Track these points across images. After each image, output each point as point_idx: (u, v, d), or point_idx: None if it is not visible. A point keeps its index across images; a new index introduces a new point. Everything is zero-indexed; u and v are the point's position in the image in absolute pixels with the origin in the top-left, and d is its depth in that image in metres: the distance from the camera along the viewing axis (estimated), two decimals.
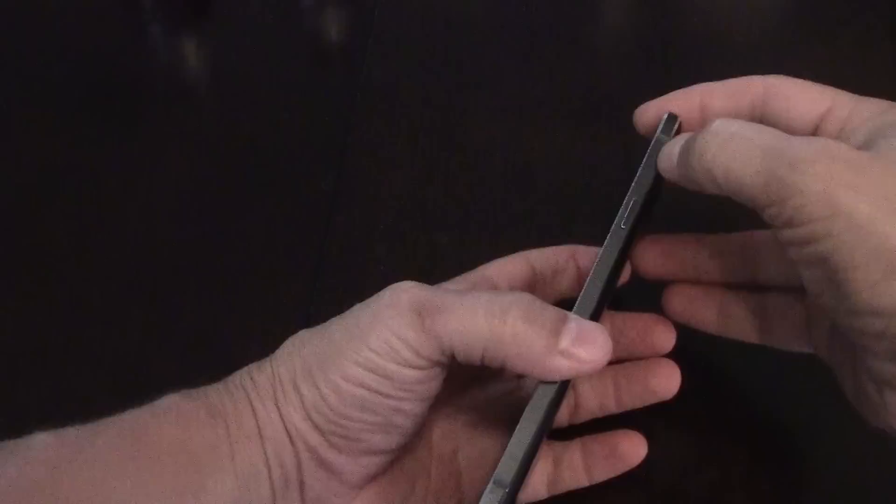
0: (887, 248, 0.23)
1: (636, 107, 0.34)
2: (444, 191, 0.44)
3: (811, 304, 0.32)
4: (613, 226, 0.30)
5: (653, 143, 0.31)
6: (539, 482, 0.33)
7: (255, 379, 0.30)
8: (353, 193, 0.44)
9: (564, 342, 0.27)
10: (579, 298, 0.29)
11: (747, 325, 0.33)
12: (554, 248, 0.36)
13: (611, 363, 0.35)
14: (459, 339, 0.27)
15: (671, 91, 0.33)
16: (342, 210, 0.43)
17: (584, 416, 0.35)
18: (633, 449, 0.33)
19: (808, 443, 0.36)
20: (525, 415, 0.28)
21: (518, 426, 0.28)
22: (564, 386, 0.28)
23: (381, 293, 0.29)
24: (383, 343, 0.27)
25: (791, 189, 0.24)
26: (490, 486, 0.27)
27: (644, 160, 0.31)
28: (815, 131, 0.29)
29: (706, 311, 0.34)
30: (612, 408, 0.35)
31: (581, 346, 0.27)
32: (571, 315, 0.28)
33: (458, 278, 0.34)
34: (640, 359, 0.35)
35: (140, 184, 0.45)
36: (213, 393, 0.30)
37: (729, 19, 0.52)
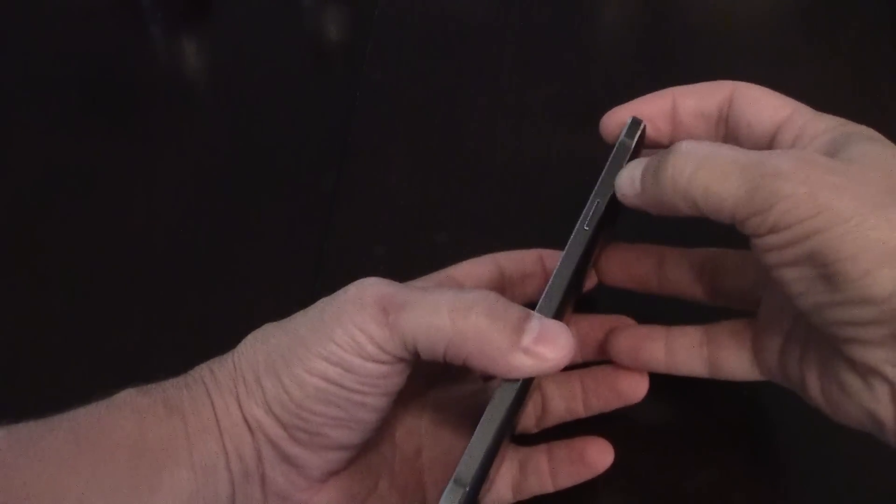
0: (874, 239, 0.24)
1: None
2: (444, 191, 0.44)
3: (759, 326, 0.32)
4: (576, 227, 0.30)
5: (616, 145, 0.31)
6: (504, 486, 0.33)
7: (215, 372, 0.30)
8: (353, 193, 0.44)
9: (527, 340, 0.27)
10: (542, 297, 0.29)
11: (695, 360, 0.34)
12: (522, 251, 0.36)
13: (578, 366, 0.35)
14: (422, 334, 0.27)
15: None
16: (342, 210, 0.43)
17: (552, 420, 0.35)
18: (599, 456, 0.33)
19: (808, 442, 0.36)
20: (486, 414, 0.27)
21: (479, 425, 0.27)
22: (527, 385, 0.28)
23: (346, 288, 0.29)
24: (347, 337, 0.28)
25: (777, 195, 0.25)
26: (450, 485, 0.27)
27: (608, 162, 0.31)
28: (773, 136, 0.30)
29: (653, 350, 0.34)
30: (580, 411, 0.35)
31: (543, 344, 0.27)
32: (534, 313, 0.28)
33: (424, 277, 0.35)
34: (607, 362, 0.35)
35: (140, 184, 0.45)
36: (171, 387, 0.30)
37: (729, 19, 0.52)
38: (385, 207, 0.44)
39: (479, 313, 0.27)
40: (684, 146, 0.27)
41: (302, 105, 0.48)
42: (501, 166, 0.45)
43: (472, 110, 0.47)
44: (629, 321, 0.36)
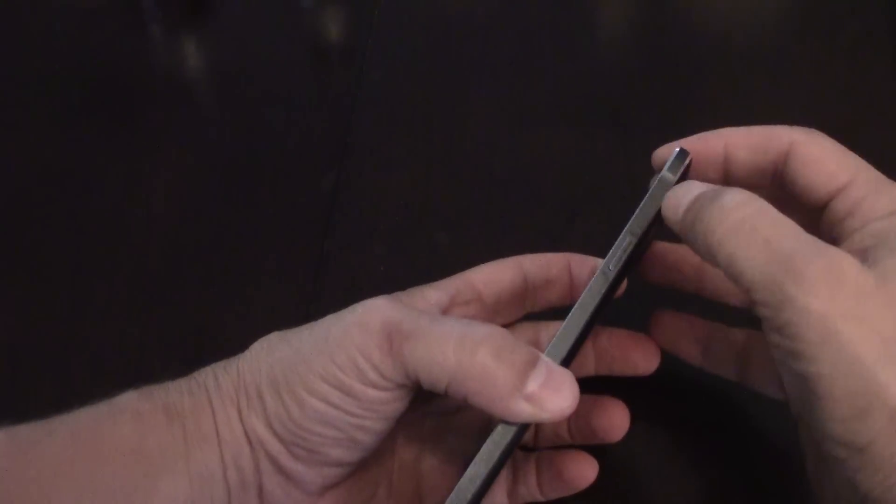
0: (868, 390, 0.23)
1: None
2: (444, 191, 0.44)
3: None
4: (601, 265, 0.28)
5: (657, 180, 0.29)
6: (500, 491, 0.33)
7: (220, 380, 0.30)
8: (353, 193, 0.44)
9: (531, 386, 0.26)
10: (554, 339, 0.28)
11: (727, 364, 0.33)
12: (549, 255, 0.35)
13: (590, 378, 0.34)
14: (425, 367, 0.27)
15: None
16: (342, 210, 0.43)
17: (544, 440, 0.34)
18: (579, 473, 0.32)
19: None
20: (480, 453, 0.27)
21: (471, 464, 0.27)
22: (526, 427, 0.27)
23: (353, 307, 0.29)
24: (350, 361, 0.27)
25: (791, 302, 0.24)
26: None
27: (646, 196, 0.29)
28: (827, 204, 0.28)
29: (690, 344, 0.34)
30: (567, 439, 0.34)
31: (546, 393, 0.27)
32: (543, 357, 0.27)
33: (442, 282, 0.34)
34: (620, 377, 0.35)
35: (140, 183, 0.45)
36: (174, 391, 0.29)
37: (728, 19, 0.52)
38: (385, 207, 0.44)
39: (485, 352, 0.27)
40: (728, 199, 0.26)
41: (302, 105, 0.48)
42: (501, 166, 0.45)
43: (472, 110, 0.47)
44: (649, 341, 0.35)
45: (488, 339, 0.27)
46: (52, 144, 0.46)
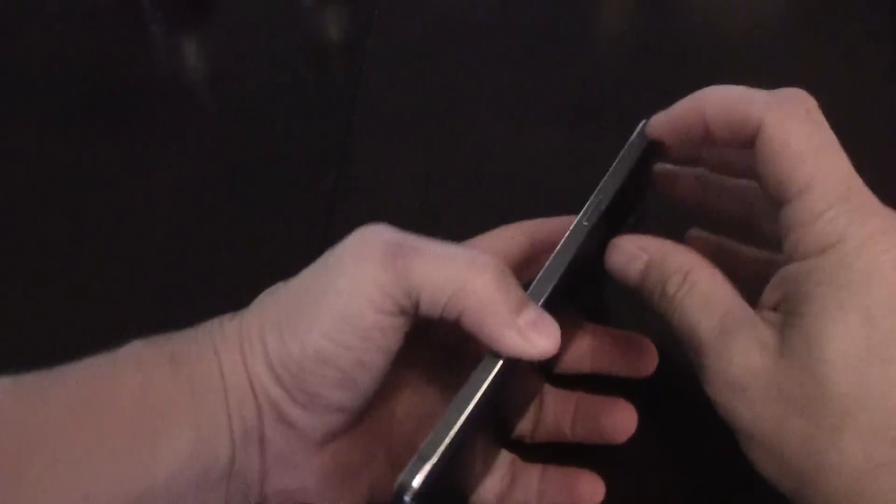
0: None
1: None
2: (444, 191, 0.44)
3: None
4: (575, 221, 0.30)
5: (627, 145, 0.32)
6: (490, 494, 0.33)
7: (225, 328, 0.30)
8: (353, 193, 0.44)
9: (523, 320, 0.28)
10: (532, 285, 0.29)
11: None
12: (555, 219, 0.35)
13: (584, 376, 0.35)
14: (429, 281, 0.27)
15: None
16: (342, 210, 0.43)
17: (543, 433, 0.34)
18: (591, 491, 0.32)
19: None
20: (461, 392, 0.27)
21: (451, 402, 0.27)
22: (505, 372, 0.28)
23: (352, 233, 0.29)
24: (351, 282, 0.28)
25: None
26: (414, 458, 0.26)
27: (618, 158, 0.32)
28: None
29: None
30: (567, 434, 0.34)
31: (536, 331, 0.28)
32: (532, 301, 0.29)
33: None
34: (618, 377, 0.35)
35: (140, 184, 0.45)
36: (180, 340, 0.30)
37: (728, 19, 0.52)
38: (385, 207, 0.44)
39: (490, 278, 0.28)
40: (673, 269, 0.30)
41: (302, 105, 0.48)
42: (501, 166, 0.45)
43: (472, 110, 0.47)
44: (647, 342, 0.35)
45: (493, 267, 0.28)
46: (52, 144, 0.46)
